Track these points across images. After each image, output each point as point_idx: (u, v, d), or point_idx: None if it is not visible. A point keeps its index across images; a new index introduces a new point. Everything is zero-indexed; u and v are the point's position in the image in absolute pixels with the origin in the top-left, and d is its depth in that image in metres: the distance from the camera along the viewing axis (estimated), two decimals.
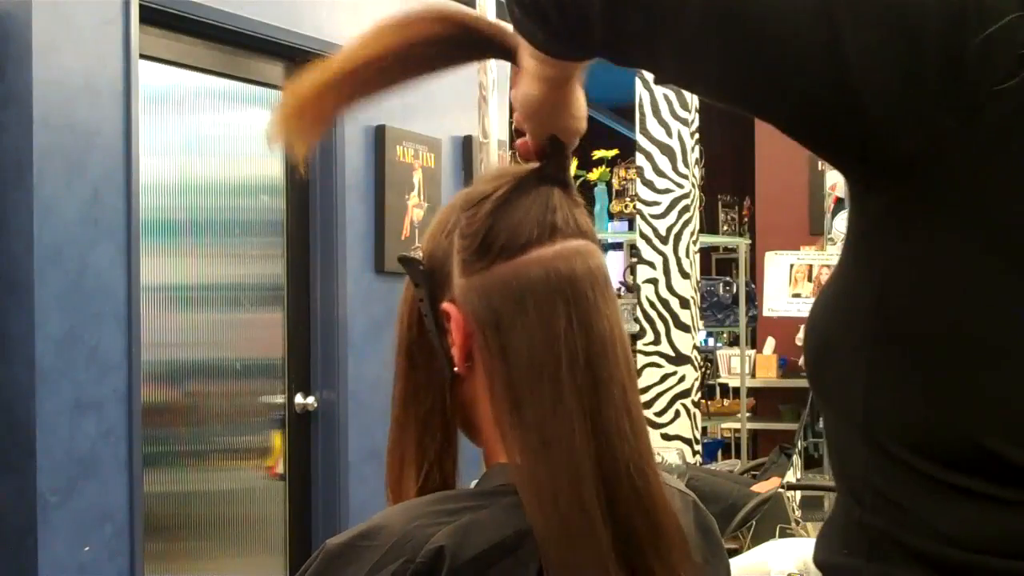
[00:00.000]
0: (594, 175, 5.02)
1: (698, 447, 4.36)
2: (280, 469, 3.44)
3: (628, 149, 5.07)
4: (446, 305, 0.89)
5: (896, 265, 0.70)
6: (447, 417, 0.91)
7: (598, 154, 5.03)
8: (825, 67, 0.69)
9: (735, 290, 5.86)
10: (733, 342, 6.72)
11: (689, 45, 0.74)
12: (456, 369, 0.89)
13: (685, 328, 4.27)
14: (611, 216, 5.35)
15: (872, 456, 0.72)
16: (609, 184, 5.21)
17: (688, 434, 4.25)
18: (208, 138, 3.22)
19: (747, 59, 0.72)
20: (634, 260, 4.56)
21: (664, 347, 4.27)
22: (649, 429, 1.05)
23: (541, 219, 0.88)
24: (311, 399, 3.47)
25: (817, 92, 0.70)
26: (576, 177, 3.75)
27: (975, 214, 0.67)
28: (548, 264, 0.86)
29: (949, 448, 0.69)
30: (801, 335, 0.99)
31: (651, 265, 4.30)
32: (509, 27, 0.90)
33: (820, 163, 4.28)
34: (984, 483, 0.68)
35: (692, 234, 4.33)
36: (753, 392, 6.27)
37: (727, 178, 7.36)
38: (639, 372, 4.16)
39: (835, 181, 4.27)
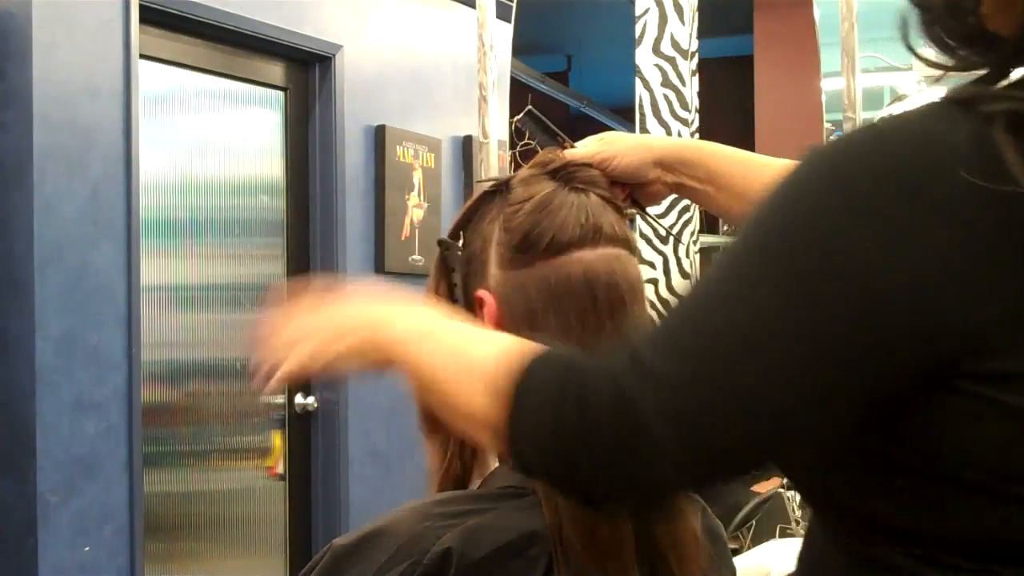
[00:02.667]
0: None
1: None
2: (280, 469, 3.43)
3: None
4: (481, 292, 0.89)
5: None
6: None
7: None
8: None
9: None
10: None
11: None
12: None
13: None
14: None
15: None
16: None
17: None
18: (208, 138, 3.22)
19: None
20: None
21: None
22: None
23: (584, 222, 0.87)
24: (311, 399, 3.46)
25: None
26: None
27: None
28: (588, 267, 0.86)
29: None
30: None
31: (651, 265, 4.28)
32: None
33: None
34: None
35: (692, 234, 4.32)
36: None
37: None
38: None
39: None
